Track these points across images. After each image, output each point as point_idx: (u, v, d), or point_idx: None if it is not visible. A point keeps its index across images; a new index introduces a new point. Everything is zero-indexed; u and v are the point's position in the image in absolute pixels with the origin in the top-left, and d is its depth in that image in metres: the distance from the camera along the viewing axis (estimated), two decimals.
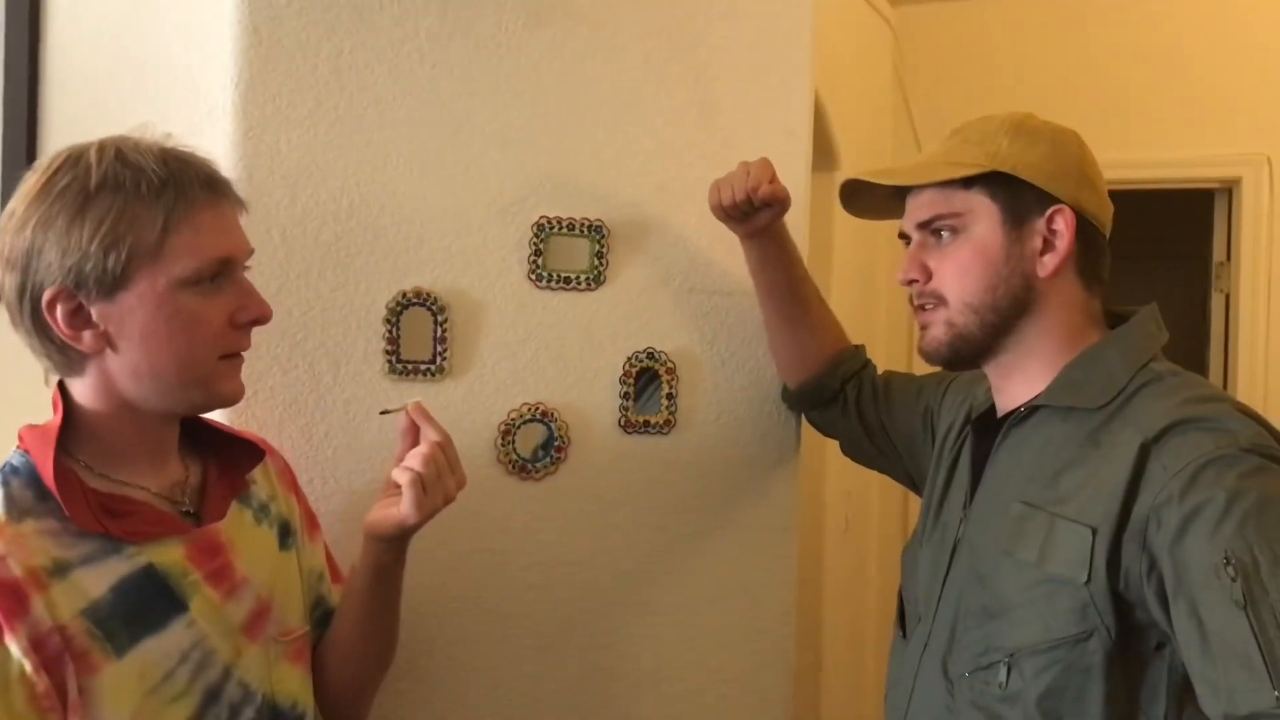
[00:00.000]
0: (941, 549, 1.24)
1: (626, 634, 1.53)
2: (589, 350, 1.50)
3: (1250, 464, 0.97)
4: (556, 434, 1.47)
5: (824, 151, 2.22)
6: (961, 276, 1.16)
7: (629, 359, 1.50)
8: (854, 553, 2.74)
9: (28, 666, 0.90)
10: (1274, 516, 0.94)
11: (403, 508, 1.11)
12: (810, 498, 2.19)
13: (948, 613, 1.18)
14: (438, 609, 1.44)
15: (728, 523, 1.56)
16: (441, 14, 1.43)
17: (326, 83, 1.39)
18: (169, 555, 1.02)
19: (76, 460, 1.01)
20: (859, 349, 1.57)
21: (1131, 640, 1.03)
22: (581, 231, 1.48)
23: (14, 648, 0.90)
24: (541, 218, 1.46)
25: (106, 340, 0.99)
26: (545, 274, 1.47)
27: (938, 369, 1.28)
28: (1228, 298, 3.18)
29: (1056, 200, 1.14)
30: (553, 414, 1.47)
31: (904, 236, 1.25)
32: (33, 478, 0.98)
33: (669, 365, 1.51)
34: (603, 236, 1.48)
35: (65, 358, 1.00)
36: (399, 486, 1.12)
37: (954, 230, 1.17)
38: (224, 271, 1.03)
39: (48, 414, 1.03)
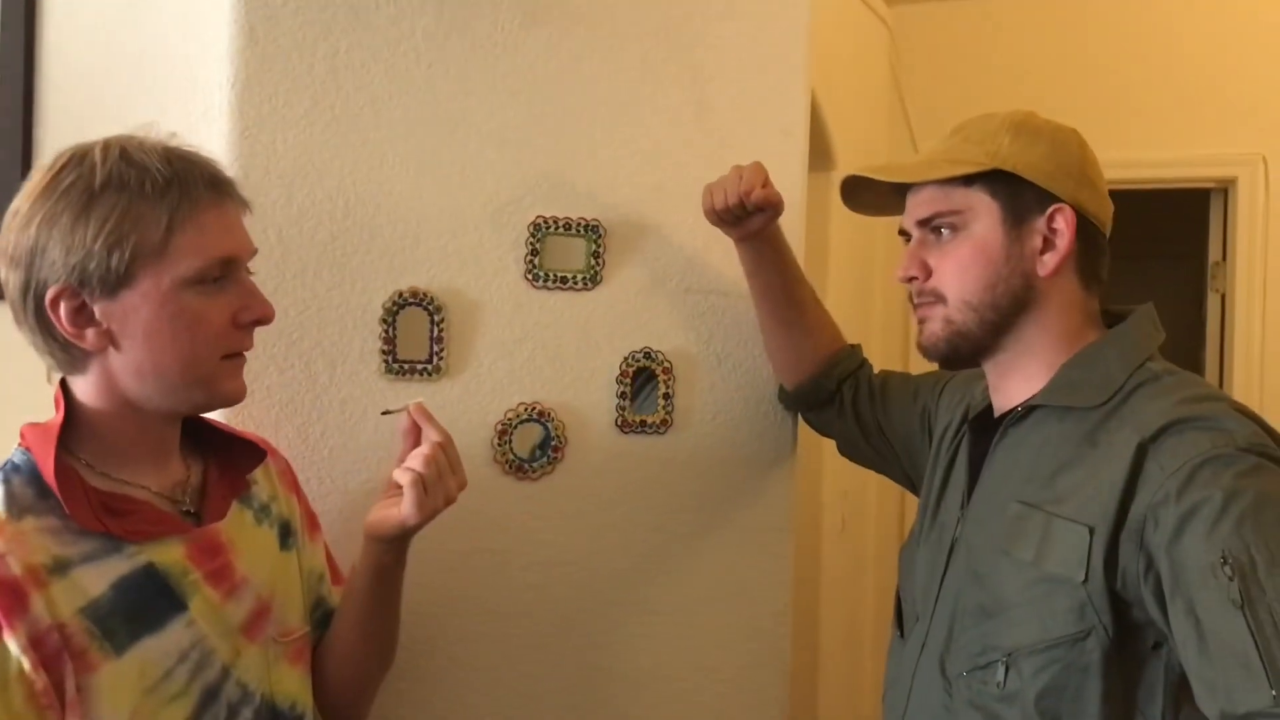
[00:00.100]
0: (939, 548, 1.24)
1: (623, 633, 1.53)
2: (585, 350, 1.50)
3: (1247, 463, 0.97)
4: (553, 434, 1.47)
5: (820, 151, 2.22)
6: (961, 274, 1.16)
7: (625, 359, 1.50)
8: (851, 552, 2.74)
9: (26, 664, 0.90)
10: (1271, 516, 0.94)
11: (404, 508, 1.11)
12: (807, 497, 2.19)
13: (945, 612, 1.18)
14: (436, 608, 1.44)
15: (724, 522, 1.56)
16: (438, 14, 1.43)
17: (323, 82, 1.39)
18: (169, 555, 1.02)
19: (78, 459, 1.01)
20: (855, 349, 1.57)
21: (1129, 639, 1.03)
22: (578, 231, 1.48)
23: (13, 645, 0.90)
24: (538, 217, 1.46)
25: (109, 338, 0.99)
26: (542, 274, 1.47)
27: (934, 368, 1.28)
28: (1223, 297, 3.18)
29: (1057, 199, 1.14)
30: (549, 414, 1.47)
31: (904, 233, 1.25)
32: (34, 476, 0.98)
33: (665, 365, 1.51)
34: (599, 236, 1.48)
35: (68, 356, 1.00)
36: (400, 487, 1.12)
37: (954, 228, 1.17)
38: (227, 271, 1.03)
39: (50, 412, 1.03)
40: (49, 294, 0.96)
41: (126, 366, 1.00)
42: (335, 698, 1.23)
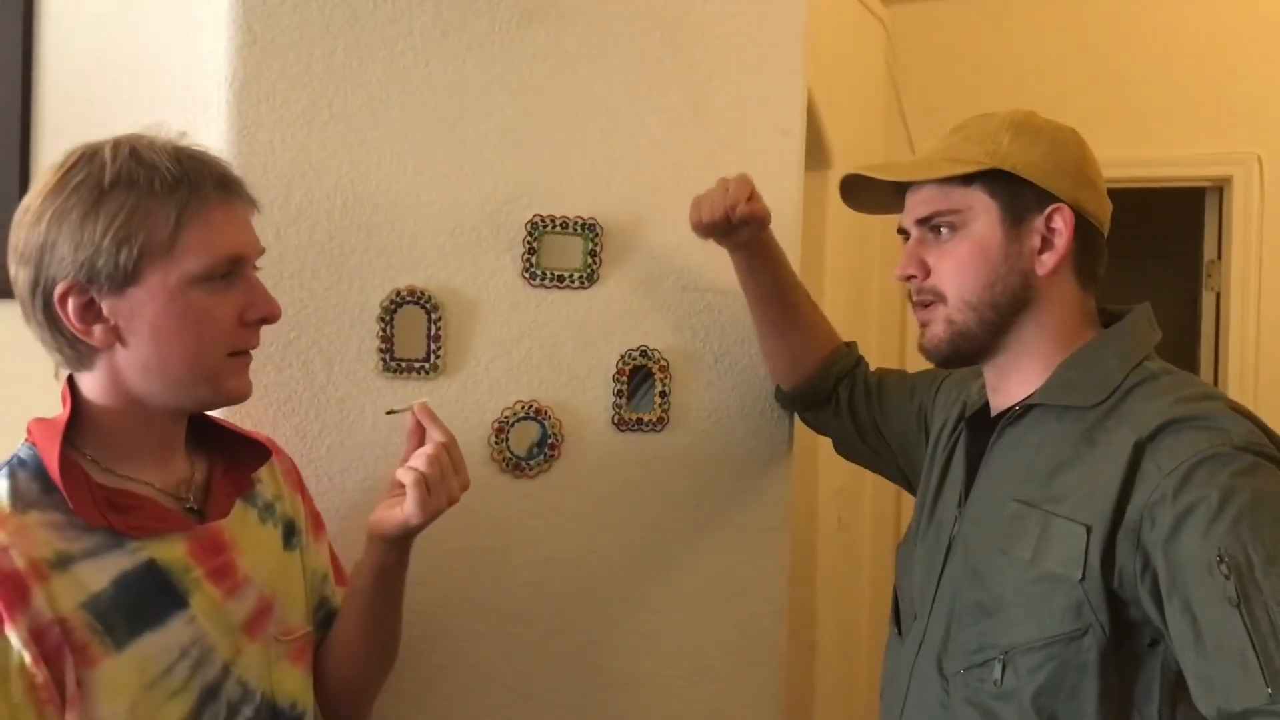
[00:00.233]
0: (936, 547, 1.24)
1: (620, 631, 1.53)
2: (582, 348, 1.50)
3: (1244, 462, 0.98)
4: (550, 432, 1.47)
5: (817, 150, 2.22)
6: (960, 274, 1.17)
7: (622, 357, 1.51)
8: (847, 550, 2.75)
9: (27, 658, 0.90)
10: (1267, 515, 0.95)
11: (406, 508, 1.11)
12: (803, 495, 2.19)
13: (943, 610, 1.18)
14: (432, 606, 1.44)
15: (721, 520, 1.56)
16: (435, 13, 1.43)
17: (320, 81, 1.39)
18: (171, 551, 1.02)
19: (83, 454, 1.02)
20: (850, 347, 1.57)
21: (1125, 638, 1.04)
22: (575, 230, 1.48)
23: (14, 639, 0.90)
24: (535, 216, 1.46)
25: (116, 335, 0.99)
26: (539, 272, 1.47)
27: (930, 366, 1.29)
28: (1218, 296, 3.19)
29: (1056, 199, 1.15)
30: (546, 412, 1.47)
31: (903, 232, 1.25)
32: (39, 470, 0.98)
33: (662, 363, 1.52)
34: (596, 235, 1.49)
35: (75, 352, 1.01)
36: (403, 486, 1.12)
37: (953, 227, 1.18)
38: (234, 269, 1.04)
39: (58, 409, 1.03)
40: (57, 290, 0.97)
41: (133, 363, 1.00)
42: (337, 698, 1.23)
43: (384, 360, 1.41)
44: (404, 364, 1.42)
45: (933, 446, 1.36)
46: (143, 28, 1.47)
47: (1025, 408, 1.17)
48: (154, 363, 1.00)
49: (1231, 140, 3.07)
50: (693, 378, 1.54)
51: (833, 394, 1.53)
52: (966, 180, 1.16)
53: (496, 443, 1.46)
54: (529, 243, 1.46)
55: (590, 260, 1.49)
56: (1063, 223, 1.14)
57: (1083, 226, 1.16)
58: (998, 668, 1.08)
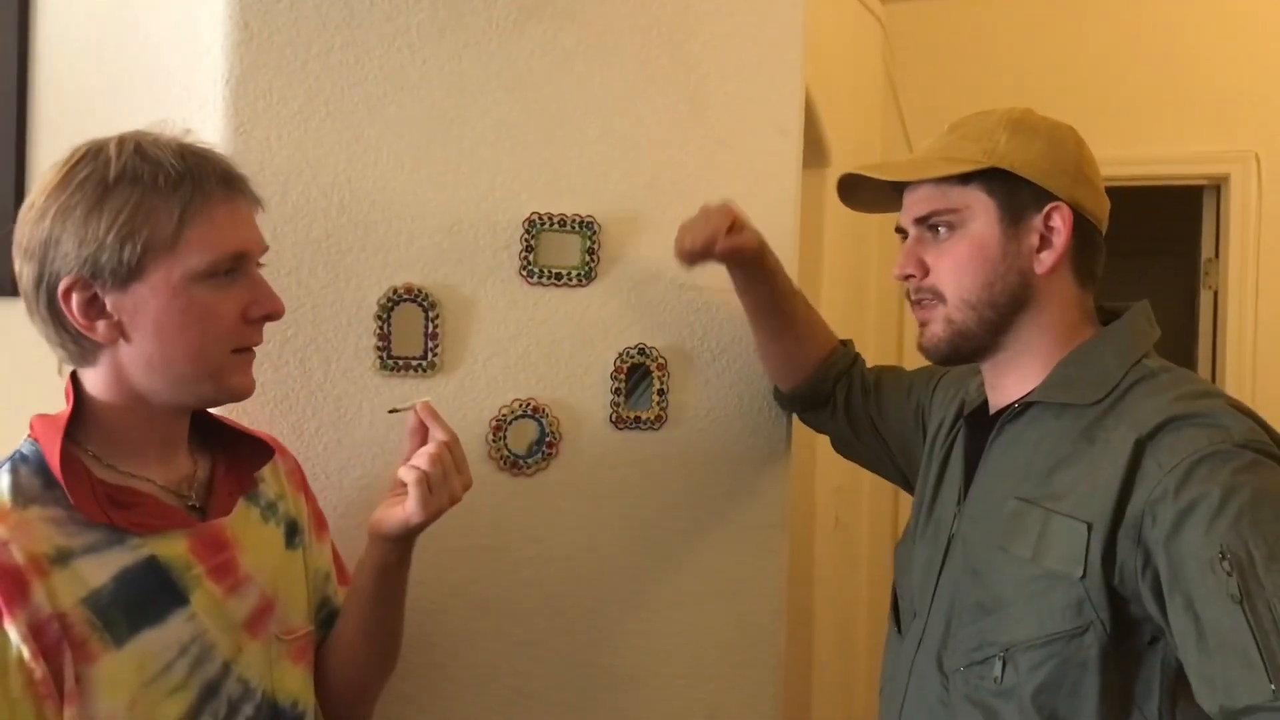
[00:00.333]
0: (935, 545, 1.24)
1: (618, 629, 1.53)
2: (580, 346, 1.50)
3: (1244, 459, 0.98)
4: (548, 430, 1.47)
5: (814, 148, 2.22)
6: (959, 273, 1.16)
7: (620, 355, 1.50)
8: (845, 548, 2.75)
9: (26, 653, 0.90)
10: (1268, 511, 0.95)
11: (408, 506, 1.11)
12: (801, 493, 2.19)
13: (942, 608, 1.18)
14: (429, 604, 1.44)
15: (718, 519, 1.56)
16: (432, 10, 1.43)
17: (317, 79, 1.39)
18: (172, 548, 1.02)
19: (85, 450, 1.02)
20: (847, 345, 1.57)
21: (1126, 635, 1.04)
22: (573, 228, 1.48)
23: (13, 633, 0.90)
24: (532, 214, 1.46)
25: (120, 331, 0.99)
26: (536, 270, 1.47)
27: (928, 364, 1.28)
28: (1216, 294, 3.19)
29: (1054, 197, 1.15)
30: (544, 410, 1.47)
31: (900, 231, 1.25)
32: (41, 466, 0.99)
33: (660, 361, 1.52)
34: (594, 233, 1.48)
35: (79, 348, 1.01)
36: (405, 485, 1.12)
37: (951, 226, 1.18)
38: (238, 266, 1.04)
39: (62, 406, 1.03)
40: (61, 285, 0.97)
41: (136, 359, 1.01)
42: (338, 698, 1.23)
43: (381, 358, 1.41)
44: (401, 362, 1.42)
45: (930, 444, 1.36)
46: (140, 24, 1.47)
47: (1024, 405, 1.17)
48: (157, 359, 1.01)
49: (1229, 138, 3.07)
50: (691, 376, 1.54)
51: (830, 394, 1.53)
52: (964, 179, 1.16)
53: (494, 441, 1.45)
54: (526, 240, 1.46)
55: (588, 258, 1.49)
56: (1061, 221, 1.14)
57: (1081, 225, 1.16)
58: (998, 665, 1.08)
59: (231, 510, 1.10)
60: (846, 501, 2.70)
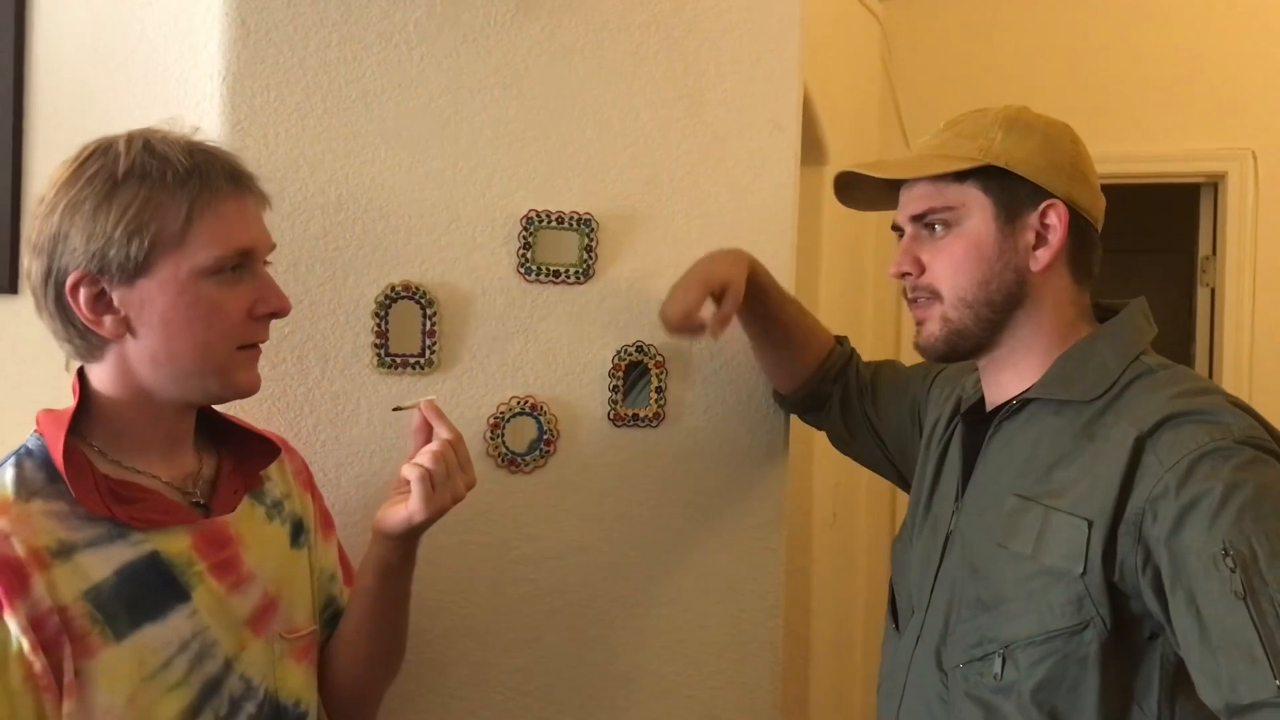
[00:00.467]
0: (933, 541, 1.24)
1: (615, 626, 1.53)
2: (578, 344, 1.50)
3: (1245, 456, 0.98)
4: (545, 427, 1.47)
5: (812, 145, 2.22)
6: (955, 271, 1.17)
7: (618, 352, 1.50)
8: (842, 545, 2.75)
9: (26, 645, 0.91)
10: (1270, 507, 0.95)
11: (410, 504, 1.11)
12: (798, 490, 2.19)
13: (941, 604, 1.19)
14: (427, 601, 1.43)
15: (716, 516, 1.56)
16: (430, 7, 1.42)
17: (315, 75, 1.38)
18: (175, 544, 1.02)
19: (90, 445, 1.02)
20: (842, 344, 1.57)
21: (1126, 631, 1.04)
22: (570, 225, 1.48)
23: (13, 625, 0.91)
24: (530, 211, 1.46)
25: (126, 326, 1.00)
26: (534, 267, 1.46)
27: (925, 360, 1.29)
28: (1213, 292, 3.20)
29: (1049, 195, 1.15)
30: (542, 407, 1.47)
31: (897, 229, 1.25)
32: (45, 460, 0.99)
33: (658, 359, 1.52)
34: (592, 230, 1.48)
35: (86, 343, 1.02)
36: (408, 483, 1.12)
37: (947, 224, 1.18)
38: (245, 263, 1.05)
39: (69, 403, 1.04)
40: (69, 280, 0.98)
41: (142, 354, 1.01)
42: (342, 698, 1.23)
43: (379, 356, 1.41)
44: (399, 359, 1.41)
45: (927, 441, 1.36)
46: (137, 20, 1.47)
47: (1022, 402, 1.17)
48: (163, 354, 1.01)
49: (1226, 136, 3.07)
50: (688, 373, 1.54)
51: (828, 395, 1.53)
52: (960, 177, 1.16)
53: (491, 438, 1.45)
54: (524, 238, 1.46)
55: (586, 255, 1.48)
56: (1057, 218, 1.14)
57: (1077, 222, 1.16)
58: (997, 662, 1.09)
59: (235, 508, 1.10)
60: (844, 498, 2.70)
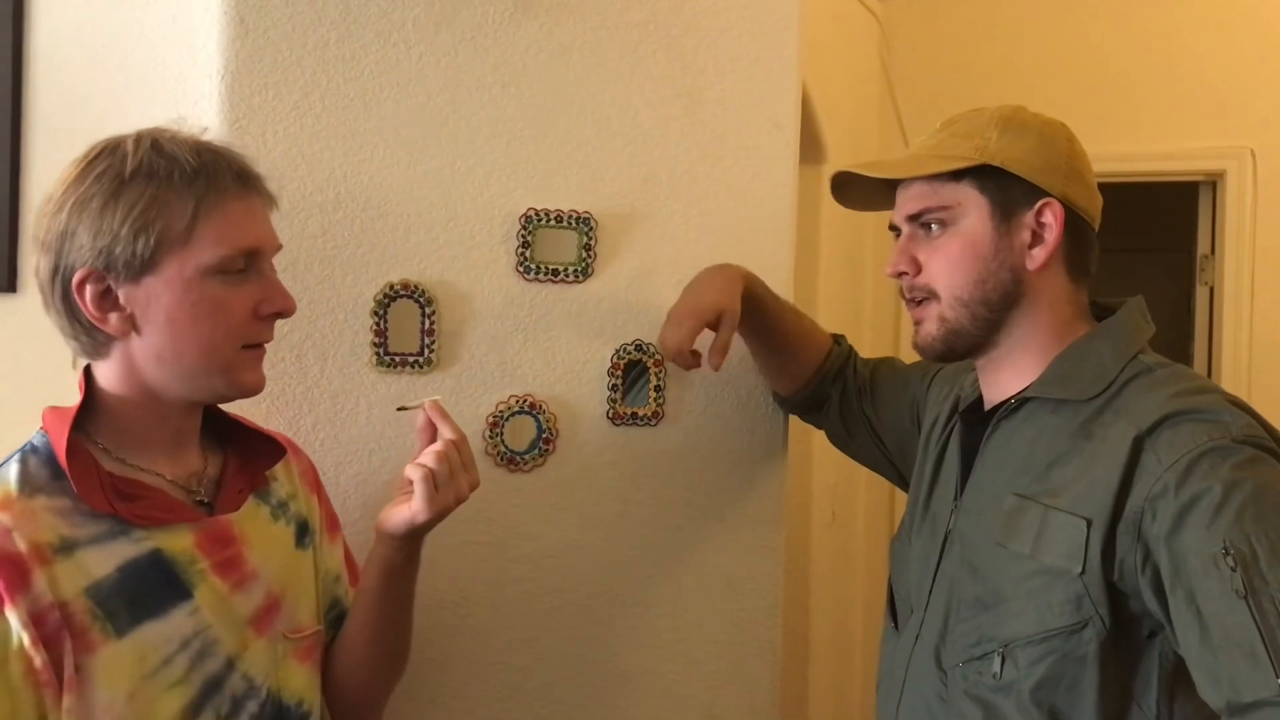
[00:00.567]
0: (932, 541, 1.24)
1: (613, 626, 1.53)
2: (577, 342, 1.49)
3: (1244, 455, 0.98)
4: (544, 426, 1.47)
5: (811, 143, 2.22)
6: (951, 270, 1.17)
7: (617, 351, 1.50)
8: (840, 544, 2.75)
9: (26, 640, 0.91)
10: (1269, 506, 0.95)
11: (413, 504, 1.11)
12: (797, 489, 2.19)
13: (940, 604, 1.19)
14: (425, 601, 1.43)
15: (715, 515, 1.56)
16: (428, 5, 1.42)
17: (313, 74, 1.38)
18: (178, 542, 1.03)
19: (95, 443, 1.03)
20: (840, 344, 1.57)
21: (1125, 630, 1.04)
22: (569, 224, 1.48)
23: (14, 620, 0.91)
24: (529, 210, 1.46)
25: (132, 323, 1.01)
26: (533, 266, 1.46)
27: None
28: (1212, 290, 3.20)
29: (1045, 193, 1.15)
30: (541, 406, 1.47)
31: (894, 229, 1.25)
32: (50, 457, 1.00)
33: (657, 357, 1.51)
34: (590, 229, 1.48)
35: (92, 340, 1.02)
36: (412, 483, 1.12)
37: (943, 223, 1.18)
38: (250, 263, 1.05)
39: (73, 399, 1.05)
40: (75, 277, 0.99)
41: (147, 352, 1.02)
42: (347, 699, 1.23)
43: (378, 354, 1.41)
44: (398, 358, 1.41)
45: (925, 440, 1.36)
46: (135, 19, 1.47)
47: (1020, 401, 1.17)
48: (168, 352, 1.02)
49: (1225, 134, 3.08)
50: (688, 372, 1.54)
51: (827, 396, 1.53)
52: (956, 176, 1.17)
53: (490, 437, 1.45)
54: (523, 236, 1.46)
55: (584, 254, 1.48)
56: (1052, 217, 1.15)
57: (1073, 221, 1.16)
58: (997, 661, 1.09)
59: (240, 507, 1.11)
60: (843, 497, 2.70)
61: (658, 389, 1.52)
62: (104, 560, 0.97)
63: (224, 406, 1.17)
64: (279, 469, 1.19)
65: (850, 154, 2.47)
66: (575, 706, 1.51)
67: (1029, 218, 1.15)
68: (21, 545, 0.93)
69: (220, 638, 1.04)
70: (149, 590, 0.99)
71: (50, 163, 1.50)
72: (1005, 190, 1.15)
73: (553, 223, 1.47)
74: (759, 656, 1.59)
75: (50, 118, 1.52)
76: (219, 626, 1.04)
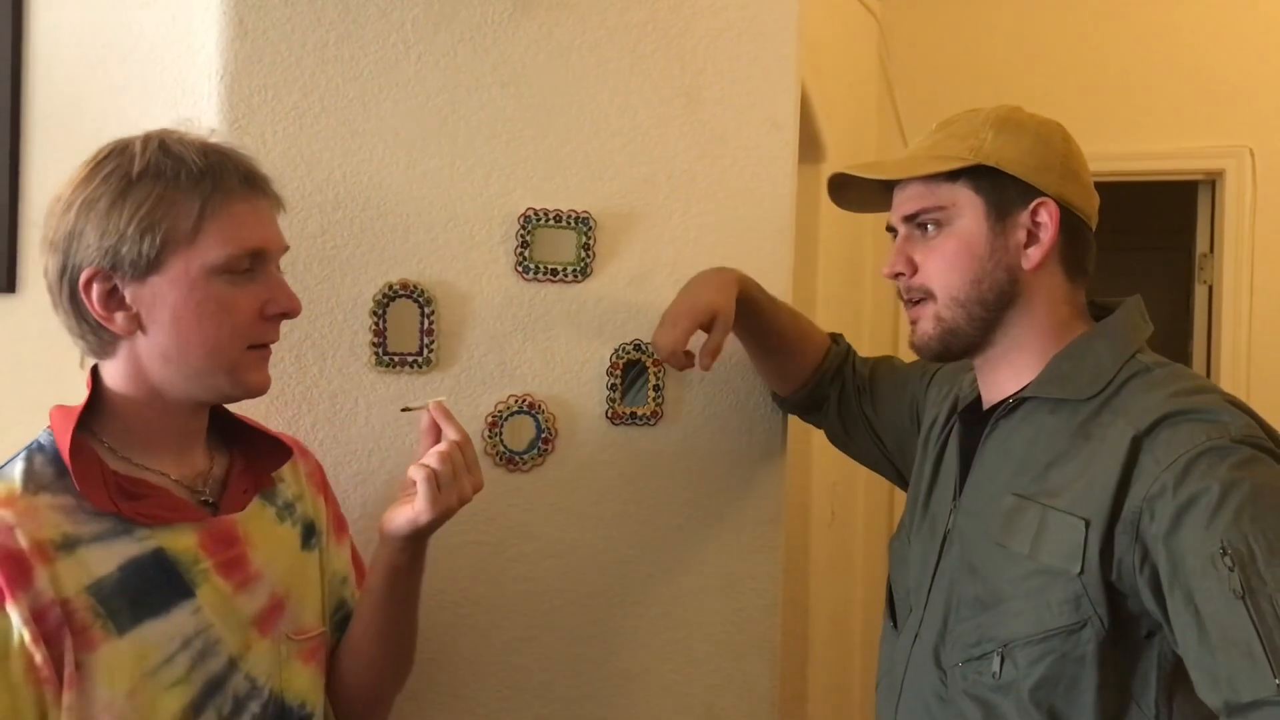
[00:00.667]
0: (931, 540, 1.24)
1: (613, 625, 1.53)
2: (576, 342, 1.50)
3: (1242, 455, 0.98)
4: (544, 426, 1.47)
5: (810, 143, 2.22)
6: (947, 270, 1.17)
7: (616, 350, 1.50)
8: (840, 543, 2.75)
9: (27, 636, 0.92)
10: (1268, 506, 0.95)
11: (416, 505, 1.11)
12: (796, 488, 2.19)
13: (939, 603, 1.19)
14: (425, 601, 1.42)
15: (715, 514, 1.56)
16: (427, 5, 1.42)
17: (312, 74, 1.39)
18: (181, 541, 1.03)
19: (100, 441, 1.04)
20: (838, 343, 1.57)
21: (1124, 629, 1.04)
22: (568, 223, 1.48)
23: (14, 616, 0.92)
24: (528, 209, 1.46)
25: (138, 323, 1.01)
26: (532, 266, 1.46)
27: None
28: (1211, 289, 3.20)
29: (1041, 193, 1.15)
30: (540, 406, 1.47)
31: (891, 230, 1.26)
32: (56, 455, 1.00)
33: (656, 357, 1.51)
34: (589, 228, 1.48)
35: (99, 339, 1.03)
36: (415, 484, 1.12)
37: (939, 223, 1.18)
38: (256, 264, 1.06)
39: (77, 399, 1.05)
40: (82, 276, 0.99)
41: (153, 351, 1.02)
42: (352, 702, 1.23)
43: (377, 354, 1.41)
44: (397, 358, 1.42)
45: (924, 439, 1.36)
46: (134, 19, 1.47)
47: (1018, 401, 1.17)
48: (173, 351, 1.02)
49: (1224, 133, 3.08)
50: (686, 372, 1.54)
51: (826, 396, 1.53)
52: (951, 177, 1.17)
53: (490, 437, 1.45)
54: (522, 236, 1.46)
55: (583, 254, 1.49)
56: (1048, 216, 1.15)
57: (1069, 220, 1.16)
58: (996, 660, 1.09)
59: (245, 507, 1.11)
60: (842, 497, 2.71)
61: (657, 389, 1.52)
62: (106, 558, 0.98)
63: (231, 407, 1.17)
64: (286, 470, 1.20)
65: (849, 154, 2.48)
66: (575, 706, 1.51)
67: (1024, 217, 1.16)
68: (23, 542, 0.94)
69: (222, 637, 1.04)
70: (151, 589, 1.00)
71: (50, 163, 1.50)
72: (1000, 190, 1.16)
73: (552, 222, 1.47)
74: (758, 655, 1.59)
75: (50, 118, 1.52)
76: (221, 626, 1.04)
